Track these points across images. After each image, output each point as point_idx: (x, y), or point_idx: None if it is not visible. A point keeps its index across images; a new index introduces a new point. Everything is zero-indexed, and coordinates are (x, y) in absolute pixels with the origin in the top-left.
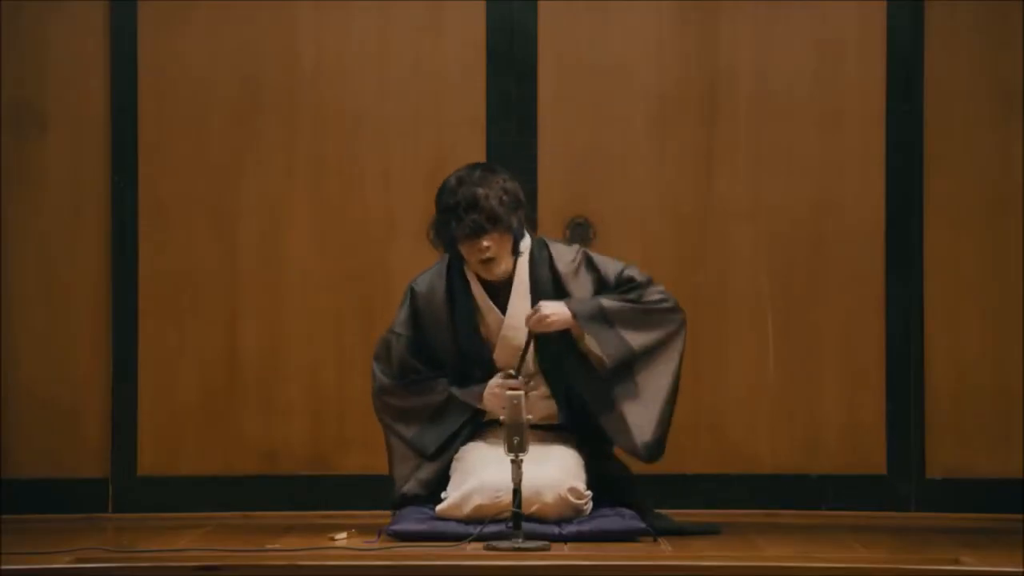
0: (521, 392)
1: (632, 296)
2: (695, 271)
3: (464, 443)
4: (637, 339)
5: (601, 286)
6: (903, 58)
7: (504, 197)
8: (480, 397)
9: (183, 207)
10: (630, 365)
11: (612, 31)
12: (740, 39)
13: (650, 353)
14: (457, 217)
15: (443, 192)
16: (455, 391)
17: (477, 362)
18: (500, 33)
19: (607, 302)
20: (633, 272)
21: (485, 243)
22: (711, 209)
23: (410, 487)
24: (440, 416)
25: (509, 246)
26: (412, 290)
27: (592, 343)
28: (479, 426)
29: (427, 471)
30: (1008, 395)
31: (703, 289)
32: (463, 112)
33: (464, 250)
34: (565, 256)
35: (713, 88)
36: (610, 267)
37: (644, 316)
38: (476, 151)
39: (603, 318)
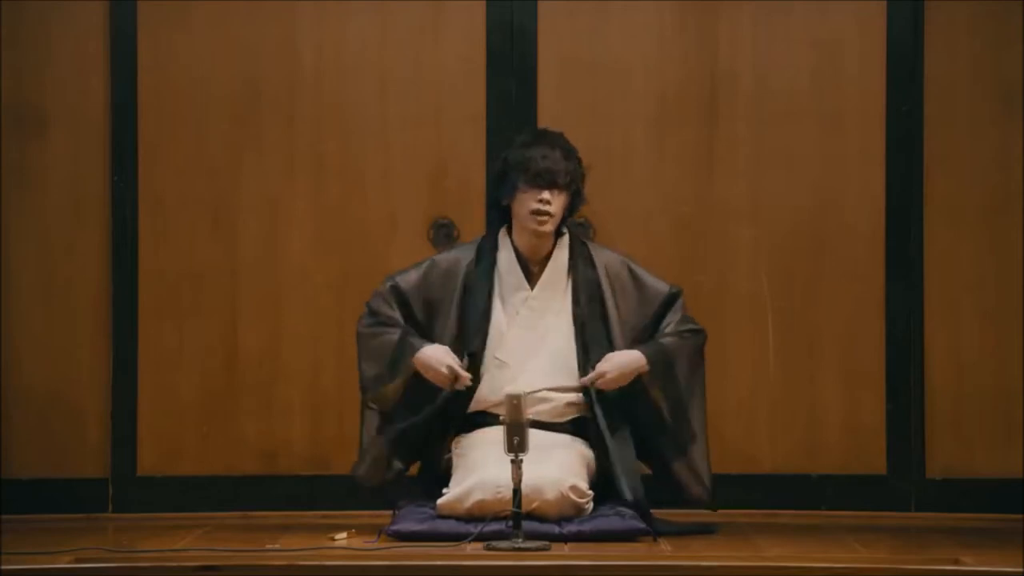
0: (521, 392)
1: (676, 324)
2: (695, 271)
3: (424, 428)
4: (690, 380)
5: (646, 302)
6: (903, 58)
7: (578, 166)
8: (422, 352)
9: (183, 207)
10: (685, 407)
11: (612, 31)
12: (740, 39)
13: (692, 389)
14: (531, 161)
15: (518, 142)
16: (409, 335)
17: (470, 342)
18: (500, 33)
19: (669, 345)
20: (677, 294)
21: (546, 195)
22: (711, 209)
23: (362, 470)
24: (390, 359)
25: (563, 208)
26: (432, 260)
27: (657, 392)
28: (469, 420)
29: (377, 449)
30: (1008, 395)
31: (703, 289)
32: (463, 112)
33: (523, 198)
34: (606, 258)
35: (713, 88)
36: (655, 283)
37: (693, 353)
38: (476, 151)
39: (668, 363)
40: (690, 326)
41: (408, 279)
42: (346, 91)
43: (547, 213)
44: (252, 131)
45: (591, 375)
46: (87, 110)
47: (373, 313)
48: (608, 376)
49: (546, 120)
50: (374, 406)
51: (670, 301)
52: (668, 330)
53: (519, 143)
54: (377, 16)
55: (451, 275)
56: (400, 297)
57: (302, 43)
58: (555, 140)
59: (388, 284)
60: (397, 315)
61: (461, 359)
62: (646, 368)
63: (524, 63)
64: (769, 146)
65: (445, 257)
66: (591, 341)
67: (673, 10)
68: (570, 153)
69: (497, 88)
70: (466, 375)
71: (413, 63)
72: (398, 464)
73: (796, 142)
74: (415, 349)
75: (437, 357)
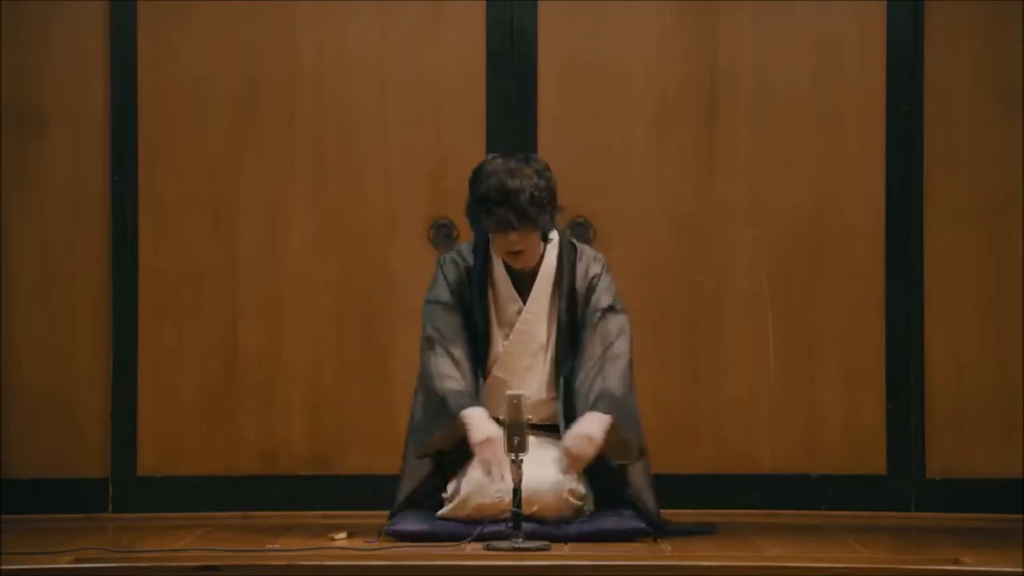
0: (521, 392)
1: (603, 342)
2: (695, 271)
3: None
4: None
5: (584, 309)
6: (903, 58)
7: (536, 193)
8: (471, 416)
9: (183, 207)
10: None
11: (612, 31)
12: (740, 39)
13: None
14: (487, 209)
15: (477, 179)
16: (451, 399)
17: (477, 357)
18: (500, 33)
19: (618, 390)
20: (612, 317)
21: (513, 237)
22: (711, 209)
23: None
24: (432, 413)
25: (537, 239)
26: (441, 267)
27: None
28: None
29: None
30: (1008, 395)
31: (703, 289)
32: (463, 112)
33: (493, 239)
34: (587, 266)
35: (713, 88)
36: (600, 299)
37: (627, 370)
38: (476, 151)
39: (628, 408)
40: (618, 342)
41: (440, 294)
42: (346, 91)
43: (518, 252)
44: (252, 131)
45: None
46: (87, 110)
47: (428, 341)
48: (579, 459)
49: (546, 120)
50: (417, 456)
51: (598, 322)
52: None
53: (478, 178)
54: (377, 16)
55: (459, 283)
56: (450, 311)
57: (302, 43)
58: (511, 172)
59: (433, 306)
60: (456, 331)
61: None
62: (609, 427)
63: (524, 63)
64: (769, 146)
65: (450, 262)
66: (563, 361)
67: (673, 10)
68: (526, 183)
69: (497, 88)
70: (501, 468)
71: (413, 63)
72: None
73: (796, 142)
74: (459, 408)
75: (487, 428)
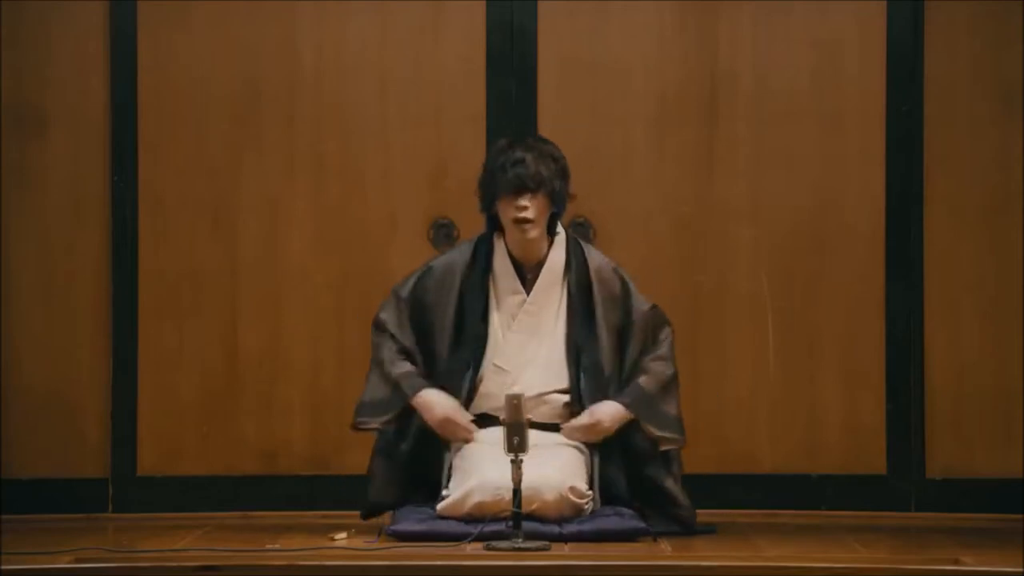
0: (521, 392)
1: (651, 350)
2: (695, 271)
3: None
4: (673, 407)
5: (626, 317)
6: (903, 58)
7: (552, 164)
8: (423, 399)
9: (183, 207)
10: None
11: (612, 31)
12: (740, 39)
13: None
14: (502, 170)
15: (493, 150)
16: (401, 376)
17: (470, 347)
18: (500, 33)
19: (647, 385)
20: (656, 314)
21: (524, 202)
22: (711, 209)
23: (372, 494)
24: (385, 395)
25: (546, 215)
26: (428, 266)
27: (651, 429)
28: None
29: (385, 472)
30: (1008, 395)
31: (703, 289)
32: (463, 112)
33: (503, 206)
34: (599, 263)
35: (713, 88)
36: (640, 303)
37: (671, 383)
38: (476, 151)
39: (650, 404)
40: (665, 349)
41: (406, 287)
42: (346, 91)
43: (527, 220)
44: (252, 131)
45: (585, 423)
46: (87, 110)
47: (379, 326)
48: (599, 425)
49: (546, 120)
50: (361, 428)
51: (647, 319)
52: (642, 364)
53: (493, 151)
54: (377, 16)
55: (448, 279)
56: (402, 306)
57: (302, 43)
58: (528, 145)
59: (391, 295)
60: (405, 325)
61: (465, 370)
62: (625, 415)
63: (524, 63)
64: (769, 146)
65: (442, 261)
66: (582, 349)
67: (673, 10)
68: (543, 154)
69: (497, 88)
70: (469, 429)
71: (413, 63)
72: (408, 487)
73: (796, 142)
74: (414, 392)
75: (439, 409)
